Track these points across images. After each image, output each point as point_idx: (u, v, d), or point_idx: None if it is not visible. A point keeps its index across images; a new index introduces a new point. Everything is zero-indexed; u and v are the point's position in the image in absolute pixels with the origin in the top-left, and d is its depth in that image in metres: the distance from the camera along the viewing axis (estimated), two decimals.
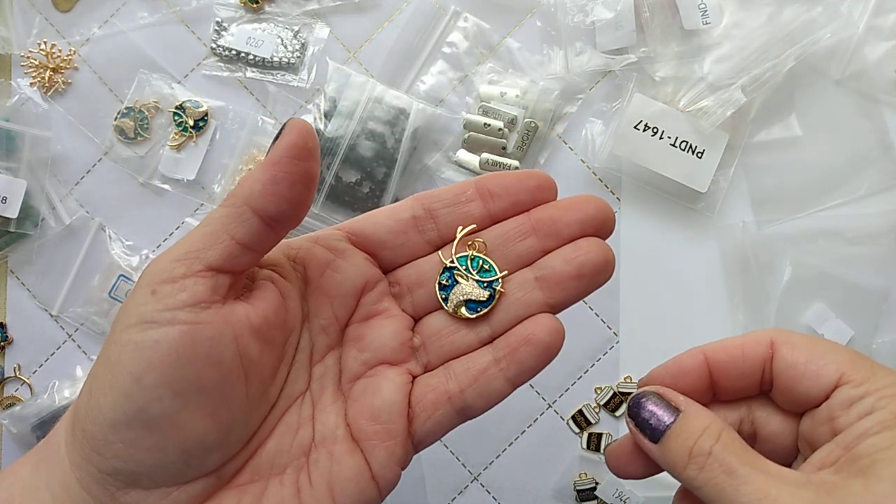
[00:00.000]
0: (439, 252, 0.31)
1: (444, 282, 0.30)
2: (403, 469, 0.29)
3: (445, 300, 0.30)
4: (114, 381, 0.25)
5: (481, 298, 0.29)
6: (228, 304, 0.27)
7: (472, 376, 0.29)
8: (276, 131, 0.27)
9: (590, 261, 0.29)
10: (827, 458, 0.25)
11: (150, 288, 0.26)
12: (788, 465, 0.28)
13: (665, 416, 0.26)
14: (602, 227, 0.29)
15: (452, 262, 0.30)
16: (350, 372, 0.30)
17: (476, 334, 0.30)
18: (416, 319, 0.31)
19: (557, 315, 0.29)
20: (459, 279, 0.30)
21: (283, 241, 0.30)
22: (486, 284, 0.29)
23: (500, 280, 0.30)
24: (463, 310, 0.30)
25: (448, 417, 0.29)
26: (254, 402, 0.28)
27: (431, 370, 0.30)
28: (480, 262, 0.30)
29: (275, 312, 0.28)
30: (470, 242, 0.30)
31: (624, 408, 0.53)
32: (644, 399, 0.27)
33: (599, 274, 0.29)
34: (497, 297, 0.29)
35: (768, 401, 0.29)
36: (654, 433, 0.26)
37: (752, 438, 0.29)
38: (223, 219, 0.26)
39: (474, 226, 0.30)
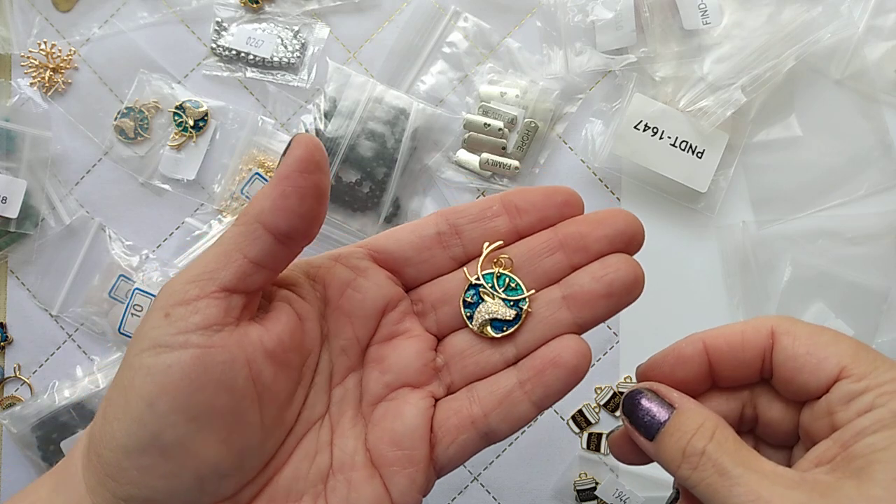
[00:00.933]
0: (464, 268, 0.30)
1: (468, 299, 0.29)
2: (424, 496, 0.28)
3: (470, 318, 0.29)
4: (127, 406, 0.25)
5: (507, 318, 0.29)
6: (242, 327, 0.26)
7: (496, 400, 0.28)
8: (284, 147, 0.26)
9: (619, 279, 0.28)
10: (824, 454, 0.24)
11: (164, 311, 0.25)
12: (790, 448, 0.28)
13: (659, 414, 0.26)
14: (631, 243, 0.28)
15: (478, 278, 0.29)
16: (371, 394, 0.29)
17: (501, 354, 0.29)
18: (440, 338, 0.30)
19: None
20: (485, 297, 0.29)
21: (304, 259, 0.29)
22: (512, 303, 0.29)
23: (527, 299, 0.29)
24: (488, 329, 0.29)
25: (472, 442, 0.28)
26: (269, 427, 0.27)
27: (454, 392, 0.29)
28: (507, 279, 0.29)
29: (290, 335, 0.27)
30: (496, 259, 0.29)
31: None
32: (639, 396, 0.27)
33: (629, 292, 0.28)
34: (524, 316, 0.29)
35: (770, 387, 0.28)
36: (649, 431, 0.26)
37: (753, 422, 0.29)
38: (235, 237, 0.26)
39: (501, 242, 0.29)
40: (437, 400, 0.29)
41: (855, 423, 0.24)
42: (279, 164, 0.26)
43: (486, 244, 0.29)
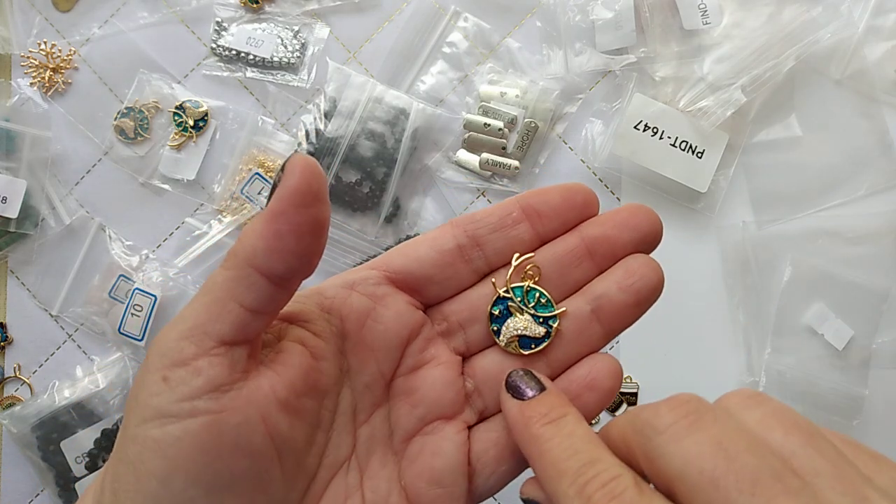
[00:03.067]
0: (493, 280, 0.28)
1: (496, 313, 0.28)
2: None
3: (497, 332, 0.28)
4: (139, 485, 0.23)
5: (537, 335, 0.27)
6: (251, 379, 0.24)
7: None
8: (277, 171, 0.23)
9: (646, 286, 0.27)
10: None
11: (161, 374, 0.23)
12: None
13: (528, 390, 0.25)
14: (654, 242, 0.28)
15: (507, 291, 0.28)
16: (403, 430, 0.27)
17: None
18: (467, 356, 0.29)
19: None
20: (514, 311, 0.28)
21: (315, 288, 0.27)
22: (542, 320, 0.27)
23: (557, 317, 0.27)
24: (516, 345, 0.28)
25: (511, 472, 0.28)
26: (290, 477, 0.25)
27: (487, 417, 0.28)
28: (537, 294, 0.28)
29: (303, 379, 0.25)
30: (525, 270, 0.28)
31: (624, 407, 0.53)
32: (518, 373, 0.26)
33: (655, 296, 0.27)
34: (553, 334, 0.27)
35: None
36: (518, 396, 0.25)
37: None
38: (227, 283, 0.23)
39: (532, 255, 0.28)
40: (469, 428, 0.28)
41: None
42: (272, 194, 0.23)
43: (516, 256, 0.28)
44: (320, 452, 0.26)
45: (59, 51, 0.56)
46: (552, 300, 0.28)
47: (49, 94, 0.56)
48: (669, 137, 0.52)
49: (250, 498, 0.24)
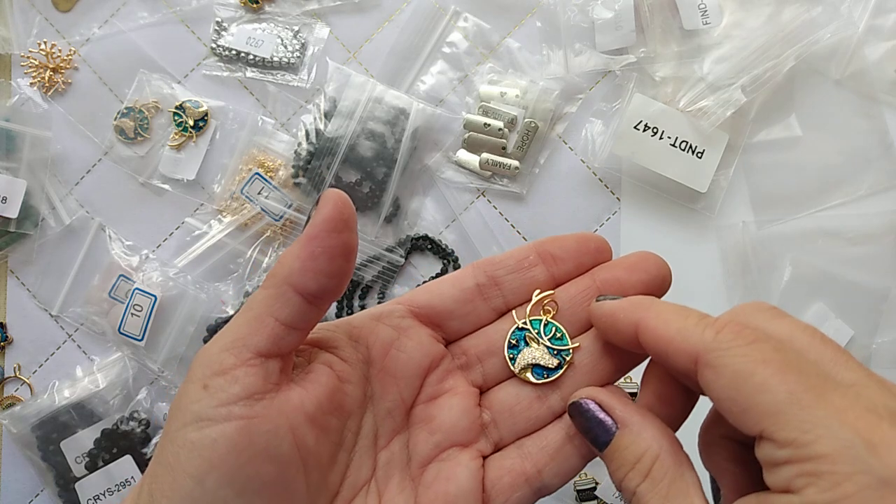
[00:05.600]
0: (513, 312, 0.30)
1: (513, 342, 0.30)
2: None
3: (513, 360, 0.30)
4: (175, 484, 0.24)
5: (550, 366, 0.29)
6: (283, 392, 0.26)
7: (548, 456, 0.28)
8: (313, 203, 0.27)
9: None
10: None
11: (202, 382, 0.25)
12: None
13: (603, 432, 0.26)
14: (662, 286, 0.29)
15: (525, 323, 0.30)
16: (420, 456, 0.29)
17: (548, 408, 0.29)
18: (484, 390, 0.31)
19: None
20: (530, 342, 0.29)
21: (345, 319, 0.30)
22: (556, 352, 0.29)
23: (570, 350, 0.29)
24: (529, 374, 0.29)
25: (525, 499, 0.28)
26: (314, 492, 0.27)
27: (501, 447, 0.29)
28: (554, 329, 0.29)
29: (329, 398, 0.27)
30: (545, 307, 0.30)
31: None
32: (584, 405, 0.27)
33: None
34: (565, 366, 0.29)
35: None
36: (597, 444, 0.26)
37: None
38: (265, 300, 0.26)
39: (552, 292, 0.30)
40: (484, 458, 0.29)
41: (774, 499, 0.21)
42: (307, 221, 0.26)
43: (537, 291, 0.30)
44: (343, 472, 0.28)
45: (59, 51, 0.56)
46: (567, 335, 0.30)
47: (49, 94, 0.56)
48: (669, 137, 0.52)
49: (277, 503, 0.25)
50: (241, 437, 0.24)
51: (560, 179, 0.55)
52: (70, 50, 0.56)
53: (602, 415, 0.26)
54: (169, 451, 0.25)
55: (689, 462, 0.25)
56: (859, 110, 0.53)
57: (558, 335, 0.30)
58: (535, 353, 0.29)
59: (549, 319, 0.30)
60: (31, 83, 0.56)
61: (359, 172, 0.54)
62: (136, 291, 0.53)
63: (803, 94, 0.54)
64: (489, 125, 0.54)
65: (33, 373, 0.56)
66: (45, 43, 0.56)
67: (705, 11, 0.52)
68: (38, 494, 0.55)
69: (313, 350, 0.29)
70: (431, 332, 0.30)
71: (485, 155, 0.54)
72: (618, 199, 0.55)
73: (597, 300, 0.28)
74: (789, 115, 0.54)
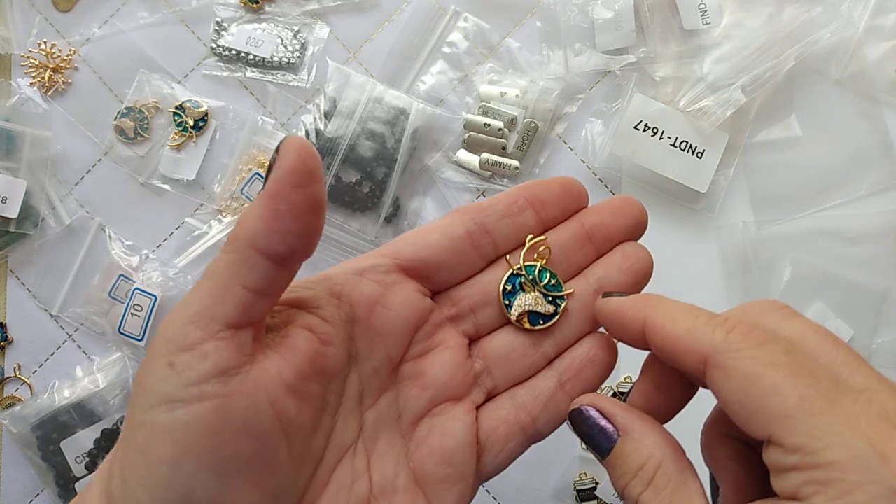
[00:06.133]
0: (507, 257, 0.29)
1: (508, 288, 0.29)
2: None
3: (508, 307, 0.29)
4: (148, 470, 0.23)
5: (547, 313, 0.29)
6: (258, 363, 0.24)
7: (541, 403, 0.28)
8: (272, 154, 0.24)
9: (642, 267, 0.29)
10: None
11: (167, 359, 0.23)
12: None
13: (605, 439, 0.25)
14: (642, 229, 0.30)
15: (520, 269, 0.29)
16: (412, 412, 0.28)
17: (542, 354, 0.29)
18: (474, 339, 0.30)
19: None
20: (525, 288, 0.29)
21: (325, 274, 0.28)
22: (551, 299, 0.29)
23: (565, 297, 0.29)
24: (525, 320, 0.29)
25: (519, 447, 0.28)
26: (298, 460, 0.26)
27: (495, 395, 0.29)
28: (549, 275, 0.29)
29: (309, 364, 0.25)
30: (539, 252, 0.29)
31: None
32: (586, 412, 0.26)
33: (648, 276, 0.29)
34: (561, 313, 0.29)
35: None
36: (599, 451, 0.26)
37: None
38: (229, 267, 0.24)
39: (545, 237, 0.29)
40: (477, 408, 0.29)
41: None
42: (267, 176, 0.23)
43: (530, 237, 0.29)
44: (327, 436, 0.27)
45: (59, 51, 0.56)
46: (561, 283, 0.29)
47: (49, 94, 0.56)
48: (669, 137, 0.52)
49: (259, 481, 0.24)
50: (216, 417, 0.23)
51: None
52: (70, 50, 0.56)
53: (603, 422, 0.26)
54: (138, 435, 0.23)
55: (692, 469, 0.24)
56: (859, 110, 0.53)
57: (553, 281, 0.29)
58: (530, 299, 0.29)
59: (543, 265, 0.29)
60: (31, 83, 0.56)
61: (359, 172, 0.54)
62: (136, 291, 0.53)
63: (803, 94, 0.54)
64: (489, 125, 0.54)
65: (33, 373, 0.56)
66: (45, 43, 0.56)
67: (705, 11, 0.52)
68: (38, 494, 0.55)
69: (291, 311, 0.27)
70: (418, 287, 0.29)
71: (485, 155, 0.54)
72: None
73: (602, 296, 0.28)
74: (789, 115, 0.54)
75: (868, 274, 0.52)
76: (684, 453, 0.25)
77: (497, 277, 0.29)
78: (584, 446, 0.53)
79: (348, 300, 0.27)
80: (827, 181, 0.53)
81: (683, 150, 0.52)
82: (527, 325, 0.29)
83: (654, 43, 0.53)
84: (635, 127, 0.52)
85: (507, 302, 0.29)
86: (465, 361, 0.29)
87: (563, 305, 0.29)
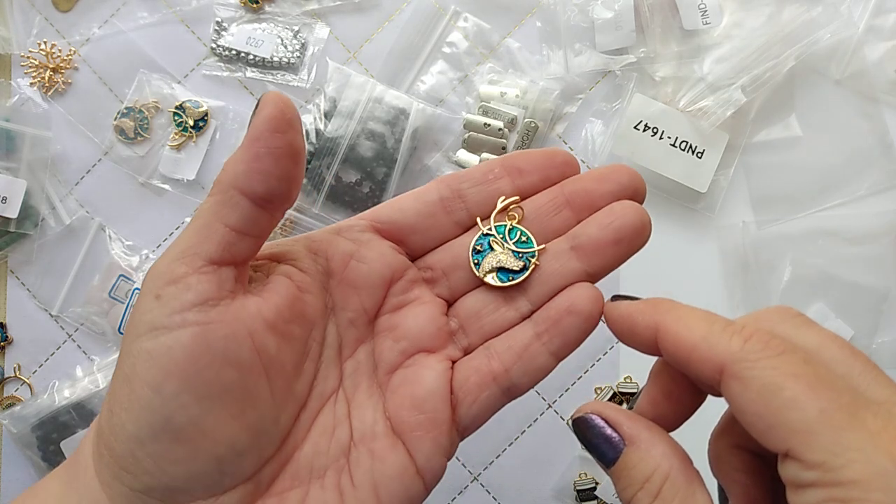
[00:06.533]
0: (478, 219, 0.29)
1: (478, 247, 0.29)
2: (449, 459, 0.28)
3: (477, 265, 0.29)
4: (132, 395, 0.24)
5: (514, 268, 0.29)
6: (238, 300, 0.25)
7: (515, 354, 0.28)
8: (253, 107, 0.25)
9: (626, 224, 0.27)
10: None
11: (154, 293, 0.24)
12: None
13: (610, 449, 0.25)
14: (635, 195, 0.28)
15: (490, 229, 0.29)
16: (386, 363, 0.29)
17: (516, 310, 0.29)
18: (451, 303, 0.30)
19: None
20: (495, 246, 0.29)
21: (305, 234, 0.29)
22: (520, 255, 0.29)
23: (535, 252, 0.29)
24: (494, 276, 0.29)
25: (494, 398, 0.28)
26: (280, 399, 0.27)
27: (471, 352, 0.29)
28: (519, 233, 0.29)
29: (289, 306, 0.27)
30: (510, 213, 0.29)
31: (624, 407, 0.53)
32: (590, 421, 0.26)
33: (637, 237, 0.28)
34: (531, 268, 0.28)
35: None
36: (604, 461, 0.25)
37: None
38: (212, 207, 0.25)
39: (517, 197, 0.29)
40: (454, 363, 0.29)
41: None
42: (249, 124, 0.25)
43: (502, 198, 0.29)
44: (310, 381, 0.28)
45: (59, 51, 0.56)
46: (533, 239, 0.29)
47: (49, 94, 0.56)
48: (669, 137, 0.52)
49: (239, 411, 0.25)
50: (197, 342, 0.24)
51: None
52: (70, 50, 0.56)
53: (609, 431, 0.25)
54: (125, 363, 0.24)
55: (700, 480, 0.24)
56: (859, 110, 0.53)
57: (524, 238, 0.29)
58: (499, 256, 0.29)
59: (514, 224, 0.29)
60: (31, 83, 0.56)
61: (359, 172, 0.54)
62: (136, 291, 0.53)
63: (803, 94, 0.54)
64: (489, 125, 0.54)
65: (33, 373, 0.56)
66: (45, 43, 0.56)
67: (705, 11, 0.52)
68: None
69: (271, 264, 0.28)
70: (393, 246, 0.29)
71: (485, 155, 0.54)
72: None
73: (612, 299, 0.27)
74: (789, 115, 0.54)
75: (868, 274, 0.52)
76: (692, 464, 0.24)
77: (469, 242, 0.29)
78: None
79: (324, 255, 0.29)
80: (827, 181, 0.53)
81: (683, 150, 0.52)
82: (497, 283, 0.29)
83: (654, 43, 0.53)
84: (635, 127, 0.52)
85: (476, 261, 0.29)
86: (440, 317, 0.29)
87: (533, 260, 0.28)
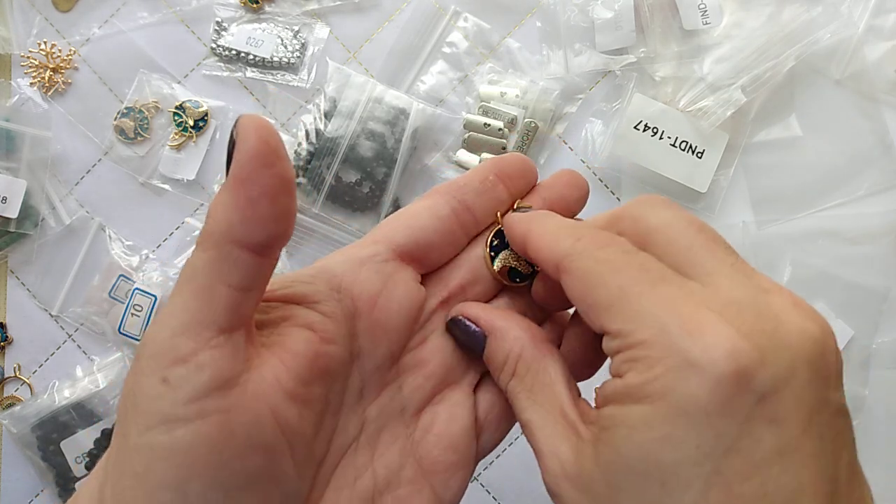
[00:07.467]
0: (498, 213, 0.29)
1: (495, 242, 0.29)
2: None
3: (493, 258, 0.29)
4: (151, 497, 0.21)
5: (526, 271, 0.29)
6: (255, 369, 0.23)
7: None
8: (229, 138, 0.22)
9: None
10: (598, 401, 0.24)
11: (160, 375, 0.21)
12: None
13: (476, 342, 0.27)
14: (587, 198, 0.30)
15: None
16: (417, 402, 0.28)
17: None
18: None
19: None
20: (510, 244, 0.30)
21: (323, 265, 0.27)
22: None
23: None
24: (507, 276, 0.29)
25: (510, 425, 0.29)
26: (301, 468, 0.24)
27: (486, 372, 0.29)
28: None
29: (309, 366, 0.24)
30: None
31: None
32: (456, 321, 0.28)
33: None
34: (536, 275, 0.30)
35: None
36: (476, 354, 0.27)
37: None
38: (210, 266, 0.22)
39: (531, 206, 0.30)
40: (474, 390, 0.29)
41: (606, 385, 0.22)
42: (230, 162, 0.21)
43: (518, 201, 0.29)
44: (329, 437, 0.26)
45: (59, 51, 0.56)
46: None
47: (49, 94, 0.56)
48: (669, 137, 0.52)
49: (266, 492, 0.23)
50: (221, 434, 0.21)
51: None
52: (70, 50, 0.56)
53: (473, 327, 0.27)
54: (136, 460, 0.21)
55: (552, 353, 0.26)
56: (859, 110, 0.53)
57: None
58: (512, 256, 0.29)
59: None
60: (31, 83, 0.56)
61: (359, 172, 0.54)
62: (136, 291, 0.53)
63: (803, 94, 0.54)
64: (489, 125, 0.54)
65: (33, 373, 0.56)
66: (45, 43, 0.56)
67: (705, 11, 0.52)
68: (38, 494, 0.55)
69: (288, 306, 0.25)
70: (414, 274, 0.28)
71: (485, 155, 0.54)
72: (618, 199, 0.55)
73: (514, 209, 0.29)
74: (789, 115, 0.54)
75: (868, 274, 0.52)
76: (545, 340, 0.26)
77: (479, 255, 0.29)
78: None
79: (349, 293, 0.26)
80: (827, 181, 0.53)
81: (683, 150, 0.52)
82: (506, 281, 0.30)
83: (654, 43, 0.53)
84: (635, 127, 0.52)
85: (491, 255, 0.29)
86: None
87: (537, 267, 0.29)
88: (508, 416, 0.28)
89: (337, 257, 0.27)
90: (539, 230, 0.26)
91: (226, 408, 0.21)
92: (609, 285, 0.22)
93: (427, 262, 0.29)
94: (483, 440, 0.28)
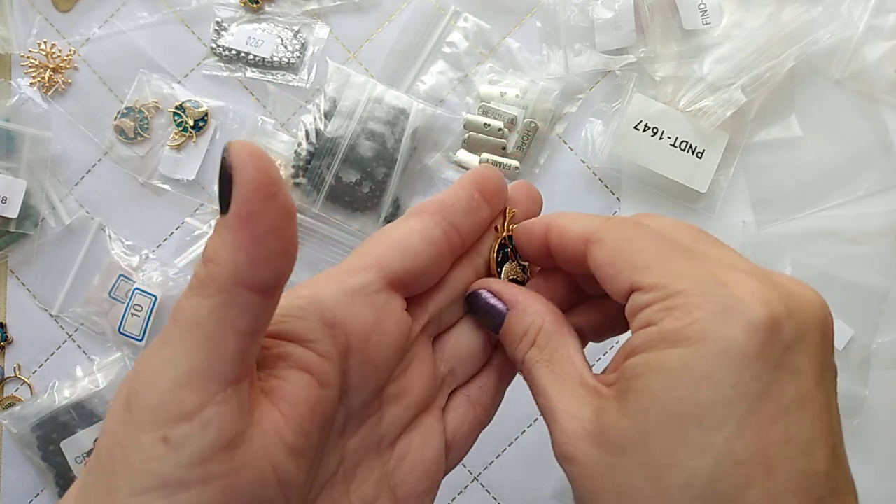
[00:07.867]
0: (496, 224, 0.30)
1: (499, 258, 0.30)
2: None
3: (500, 272, 0.30)
4: None
5: (523, 281, 0.31)
6: (256, 423, 0.21)
7: (490, 398, 0.30)
8: (220, 171, 0.20)
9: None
10: (617, 363, 0.24)
11: (160, 433, 0.19)
12: None
13: (497, 314, 0.28)
14: (541, 208, 0.32)
15: (504, 239, 0.30)
16: (394, 432, 0.27)
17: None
18: (436, 336, 0.29)
19: None
20: (510, 257, 0.31)
21: (313, 295, 0.25)
22: (522, 268, 0.31)
23: (528, 266, 0.31)
24: None
25: (475, 438, 0.29)
26: None
27: (453, 392, 0.29)
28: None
29: (310, 416, 0.23)
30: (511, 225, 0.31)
31: None
32: (480, 294, 0.29)
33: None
34: (527, 283, 0.31)
35: None
36: (493, 327, 0.28)
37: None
38: (216, 311, 0.20)
39: (515, 211, 0.31)
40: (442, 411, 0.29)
41: (631, 339, 0.23)
42: (226, 196, 0.20)
43: (509, 207, 0.30)
44: (312, 477, 0.25)
45: (59, 51, 0.56)
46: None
47: (49, 94, 0.56)
48: (669, 137, 0.52)
49: None
50: (224, 498, 0.20)
51: (560, 179, 0.55)
52: (70, 50, 0.56)
53: (494, 300, 0.28)
54: None
55: (570, 330, 0.27)
56: (859, 110, 0.53)
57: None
58: (513, 268, 0.31)
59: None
60: (31, 83, 0.56)
61: (359, 172, 0.54)
62: (136, 291, 0.53)
63: (803, 94, 0.54)
64: (489, 125, 0.54)
65: (33, 373, 0.56)
66: (45, 43, 0.56)
67: (705, 11, 0.52)
68: (38, 494, 0.55)
69: (281, 343, 0.24)
70: (402, 301, 0.27)
71: (485, 155, 0.54)
72: (618, 199, 0.55)
73: (508, 220, 0.30)
74: (789, 115, 0.54)
75: (868, 274, 0.52)
76: (565, 319, 0.28)
77: (465, 275, 0.29)
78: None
79: (343, 329, 0.25)
80: (827, 181, 0.53)
81: (683, 150, 0.52)
82: None
83: (654, 43, 0.53)
84: (635, 127, 0.52)
85: (499, 270, 0.30)
86: (435, 370, 0.28)
87: (528, 274, 0.31)
88: (475, 430, 0.29)
89: (328, 285, 0.26)
90: (563, 220, 0.27)
91: (231, 470, 0.20)
92: (646, 249, 0.24)
93: (415, 289, 0.28)
94: (450, 459, 0.29)
